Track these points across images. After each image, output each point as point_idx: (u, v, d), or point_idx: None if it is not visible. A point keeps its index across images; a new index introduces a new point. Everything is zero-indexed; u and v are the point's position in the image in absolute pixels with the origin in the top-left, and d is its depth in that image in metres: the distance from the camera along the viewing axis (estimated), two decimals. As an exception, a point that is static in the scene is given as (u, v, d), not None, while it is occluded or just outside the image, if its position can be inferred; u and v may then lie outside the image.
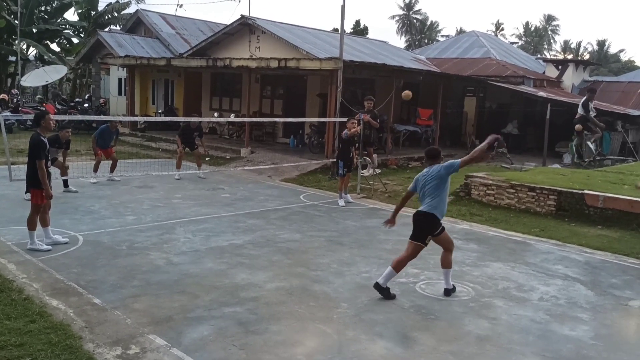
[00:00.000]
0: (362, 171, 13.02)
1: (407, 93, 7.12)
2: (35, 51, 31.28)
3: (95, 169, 12.34)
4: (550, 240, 8.97)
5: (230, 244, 7.89)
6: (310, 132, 17.82)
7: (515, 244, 8.73)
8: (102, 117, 17.08)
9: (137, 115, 21.91)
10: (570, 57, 58.63)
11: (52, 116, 7.67)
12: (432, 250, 7.99)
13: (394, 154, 17.09)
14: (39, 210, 7.20)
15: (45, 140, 7.12)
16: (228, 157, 17.00)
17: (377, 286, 6.07)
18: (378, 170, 14.06)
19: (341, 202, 9.96)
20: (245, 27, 20.66)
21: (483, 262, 7.62)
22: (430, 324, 5.46)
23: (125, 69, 23.53)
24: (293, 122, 17.08)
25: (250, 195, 11.76)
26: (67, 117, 13.24)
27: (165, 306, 5.56)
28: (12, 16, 29.87)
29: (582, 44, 70.88)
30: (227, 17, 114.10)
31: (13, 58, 30.64)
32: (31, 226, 7.18)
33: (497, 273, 7.15)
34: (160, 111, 24.06)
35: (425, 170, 6.20)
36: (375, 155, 14.06)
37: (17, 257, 6.83)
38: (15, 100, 23.94)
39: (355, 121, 9.89)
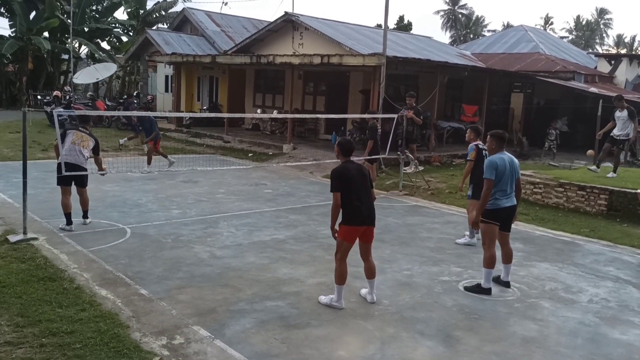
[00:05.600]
0: (405, 168, 12.91)
1: None
2: (86, 49, 32.39)
3: (164, 156, 13.49)
4: (600, 241, 8.67)
5: (272, 239, 7.96)
6: (352, 128, 17.77)
7: (563, 244, 8.47)
8: (148, 113, 17.52)
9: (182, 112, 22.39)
10: (623, 51, 56.35)
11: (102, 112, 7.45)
12: (476, 249, 7.86)
13: (437, 151, 16.86)
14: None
15: None
16: (270, 153, 17.15)
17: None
18: (421, 167, 13.91)
19: None
20: (289, 24, 20.78)
21: (529, 262, 7.43)
22: (473, 324, 5.36)
23: (171, 66, 24.07)
24: (335, 118, 17.07)
25: (292, 191, 11.82)
26: (115, 113, 13.60)
27: (209, 298, 5.66)
28: (65, 15, 31.03)
29: (637, 38, 67.87)
30: (270, 13, 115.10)
31: (66, 56, 31.87)
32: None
33: (543, 273, 6.96)
34: (204, 107, 24.52)
35: (501, 156, 6.05)
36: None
37: (69, 247, 7.09)
38: (67, 97, 24.81)
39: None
